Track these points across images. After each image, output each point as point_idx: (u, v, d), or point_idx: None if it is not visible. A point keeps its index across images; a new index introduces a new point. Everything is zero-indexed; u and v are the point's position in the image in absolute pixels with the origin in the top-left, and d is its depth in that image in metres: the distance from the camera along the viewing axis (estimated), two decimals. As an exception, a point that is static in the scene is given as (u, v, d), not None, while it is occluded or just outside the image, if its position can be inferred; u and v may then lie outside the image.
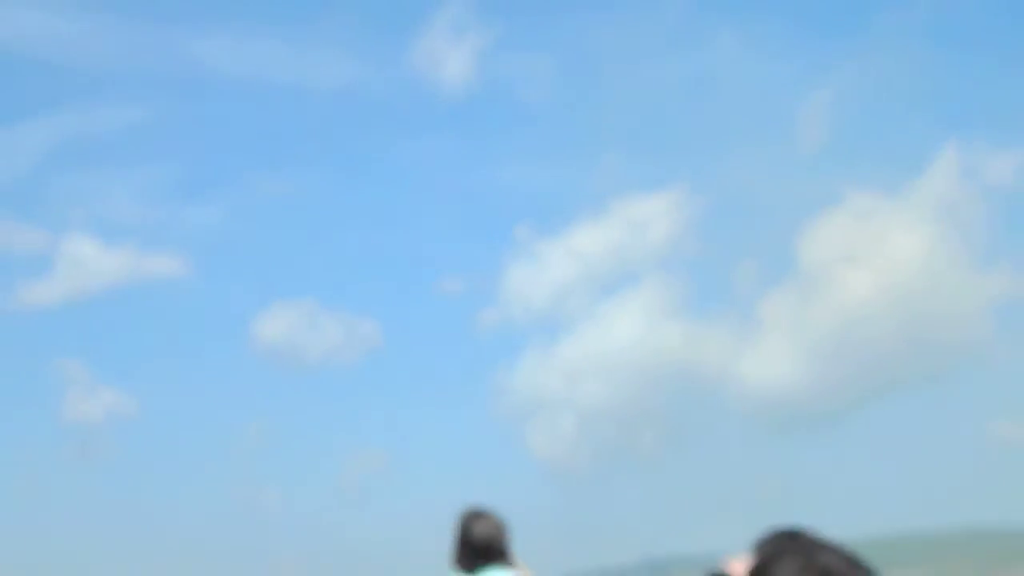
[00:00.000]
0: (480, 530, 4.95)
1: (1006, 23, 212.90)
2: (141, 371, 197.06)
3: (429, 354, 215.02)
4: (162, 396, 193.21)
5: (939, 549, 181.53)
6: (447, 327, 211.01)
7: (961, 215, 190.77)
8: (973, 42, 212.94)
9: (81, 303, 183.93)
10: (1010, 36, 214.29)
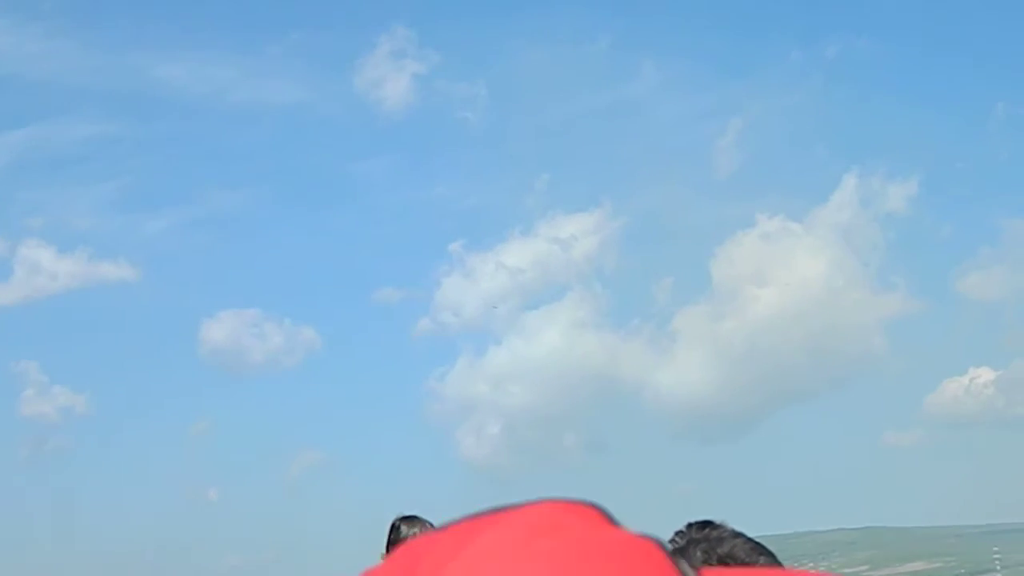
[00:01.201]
0: (411, 535, 4.87)
1: (903, 63, 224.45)
2: (94, 372, 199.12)
3: (366, 360, 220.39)
4: (113, 396, 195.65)
5: (838, 546, 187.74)
6: (384, 335, 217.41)
7: (860, 240, 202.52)
8: (873, 80, 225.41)
9: (37, 307, 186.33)
10: (906, 74, 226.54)
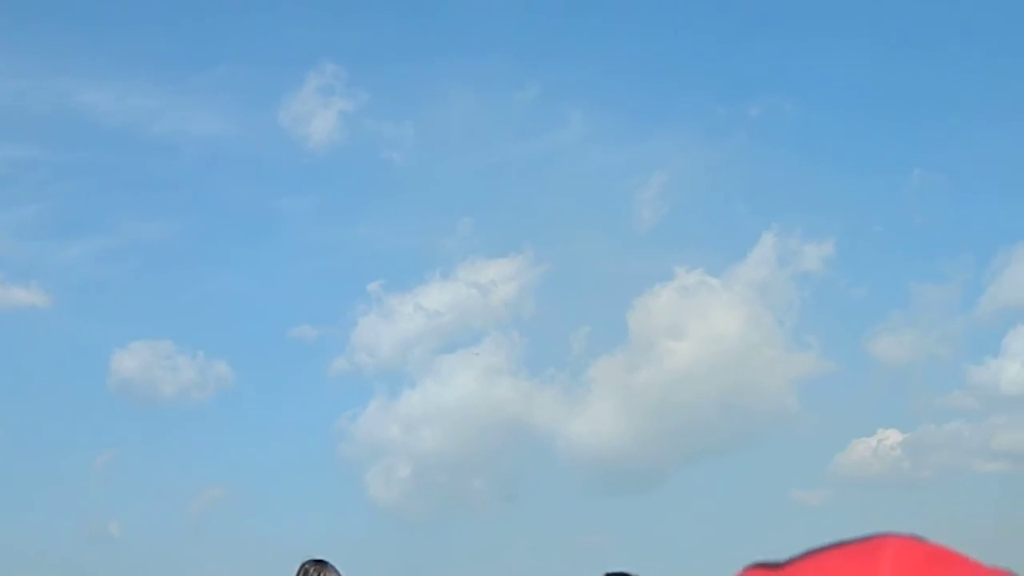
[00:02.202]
0: None
1: (825, 125, 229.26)
2: (1, 397, 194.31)
3: (279, 398, 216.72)
4: (19, 422, 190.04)
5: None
6: (298, 373, 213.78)
7: (776, 298, 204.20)
8: (795, 140, 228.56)
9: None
10: (828, 137, 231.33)
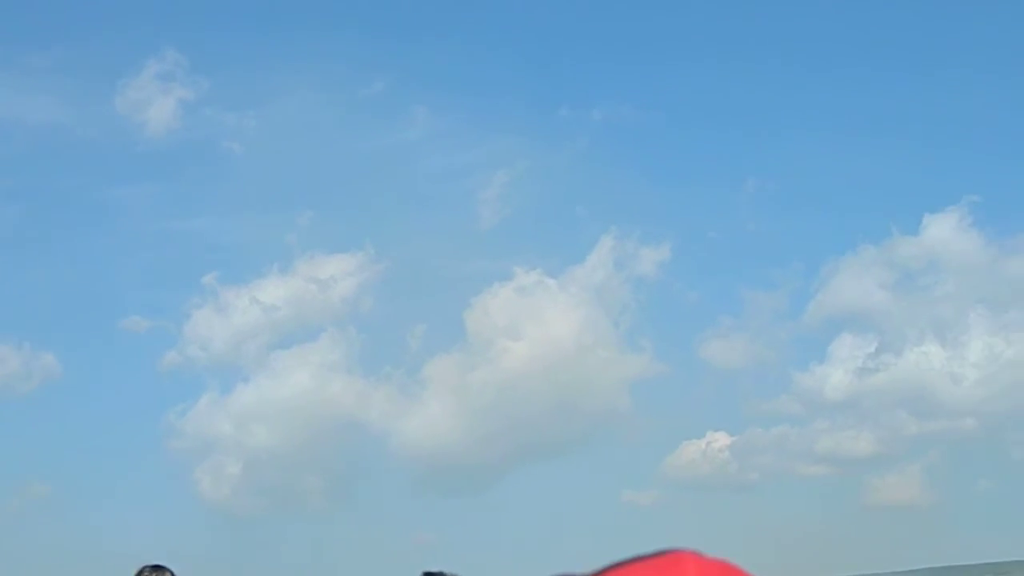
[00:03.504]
0: None
1: (665, 132, 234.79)
2: None
3: (107, 391, 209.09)
4: None
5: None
6: (128, 366, 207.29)
7: (612, 300, 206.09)
8: (635, 145, 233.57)
9: None
10: (667, 143, 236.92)
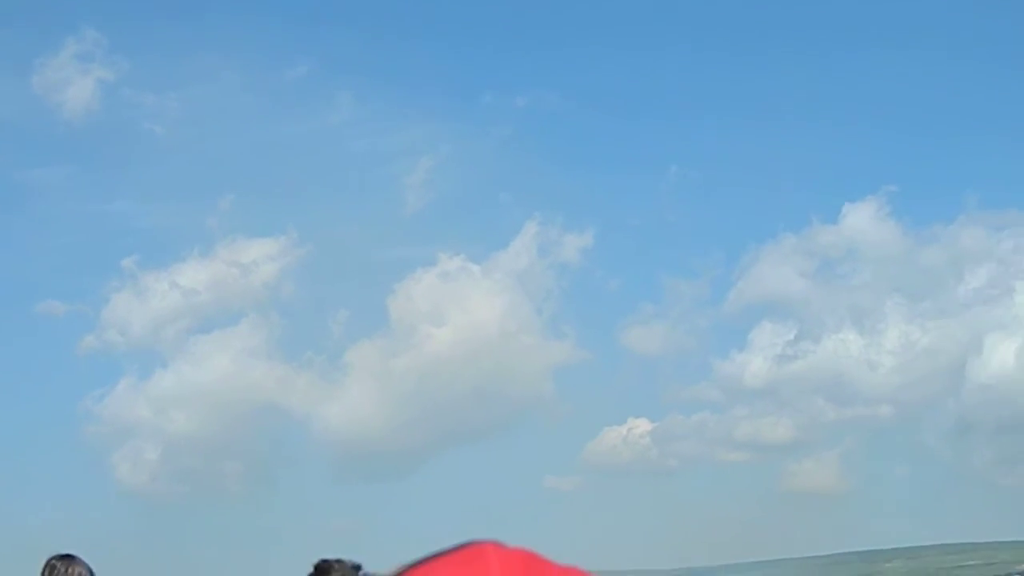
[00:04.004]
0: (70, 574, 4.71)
1: (588, 119, 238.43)
2: None
3: (22, 376, 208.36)
4: None
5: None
6: (45, 351, 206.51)
7: (535, 287, 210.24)
8: (559, 132, 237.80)
9: None
10: (590, 131, 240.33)
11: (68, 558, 4.68)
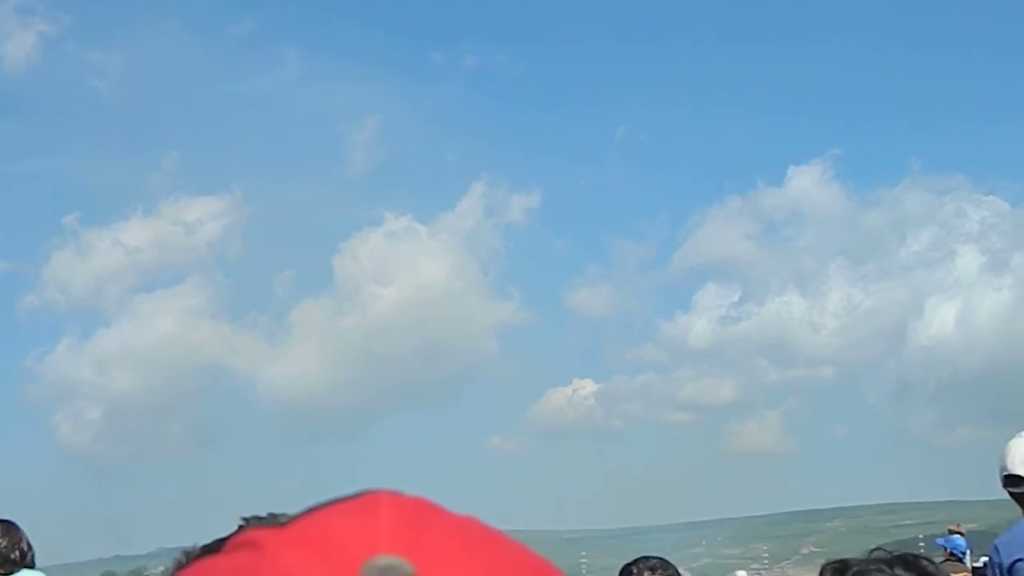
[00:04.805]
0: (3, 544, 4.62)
1: (536, 79, 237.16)
2: None
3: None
4: None
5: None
6: None
7: (481, 247, 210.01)
8: (508, 93, 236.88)
9: None
10: (538, 91, 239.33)
11: (3, 524, 4.57)
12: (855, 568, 2.06)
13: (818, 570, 2.14)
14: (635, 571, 4.09)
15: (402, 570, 1.02)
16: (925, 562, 2.07)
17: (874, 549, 2.10)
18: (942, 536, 12.00)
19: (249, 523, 2.08)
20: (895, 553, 2.07)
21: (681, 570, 4.29)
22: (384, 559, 1.03)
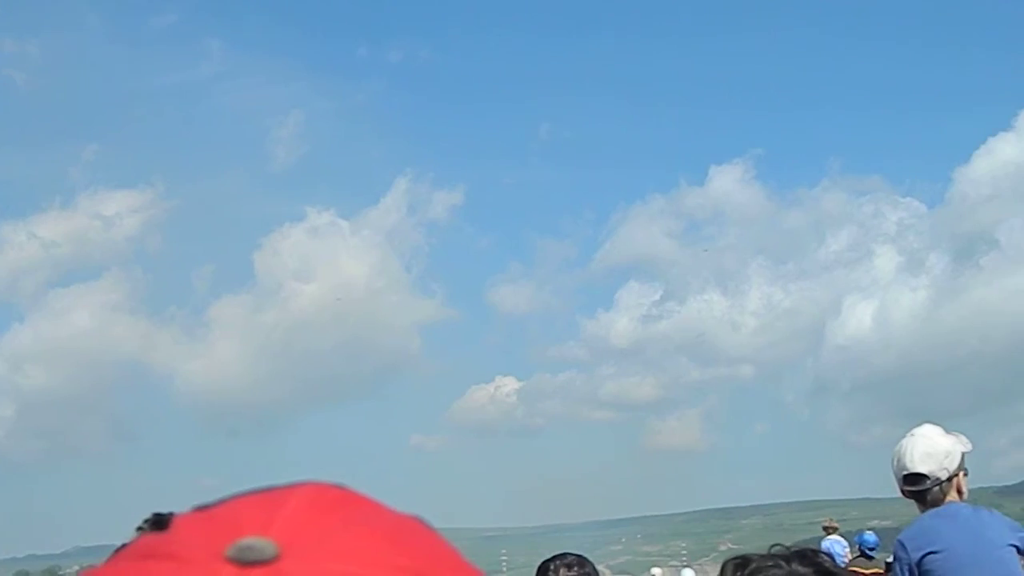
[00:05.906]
0: None
1: (461, 76, 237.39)
2: None
3: None
4: None
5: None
6: None
7: (404, 244, 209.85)
8: (432, 89, 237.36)
9: None
10: (463, 88, 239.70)
11: None
12: (754, 564, 2.11)
13: None
14: (552, 568, 4.09)
15: (262, 549, 1.02)
16: (822, 556, 2.12)
17: (773, 545, 2.15)
18: (856, 533, 12.22)
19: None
20: (793, 549, 2.12)
21: (600, 568, 4.30)
22: (250, 539, 1.02)
